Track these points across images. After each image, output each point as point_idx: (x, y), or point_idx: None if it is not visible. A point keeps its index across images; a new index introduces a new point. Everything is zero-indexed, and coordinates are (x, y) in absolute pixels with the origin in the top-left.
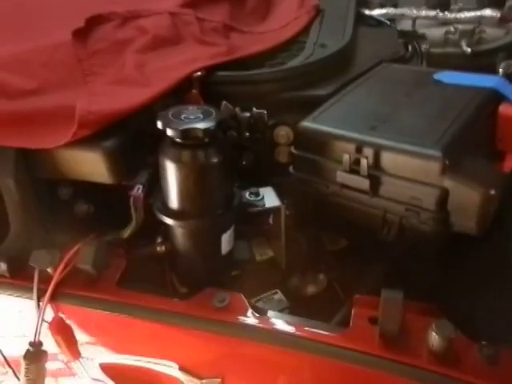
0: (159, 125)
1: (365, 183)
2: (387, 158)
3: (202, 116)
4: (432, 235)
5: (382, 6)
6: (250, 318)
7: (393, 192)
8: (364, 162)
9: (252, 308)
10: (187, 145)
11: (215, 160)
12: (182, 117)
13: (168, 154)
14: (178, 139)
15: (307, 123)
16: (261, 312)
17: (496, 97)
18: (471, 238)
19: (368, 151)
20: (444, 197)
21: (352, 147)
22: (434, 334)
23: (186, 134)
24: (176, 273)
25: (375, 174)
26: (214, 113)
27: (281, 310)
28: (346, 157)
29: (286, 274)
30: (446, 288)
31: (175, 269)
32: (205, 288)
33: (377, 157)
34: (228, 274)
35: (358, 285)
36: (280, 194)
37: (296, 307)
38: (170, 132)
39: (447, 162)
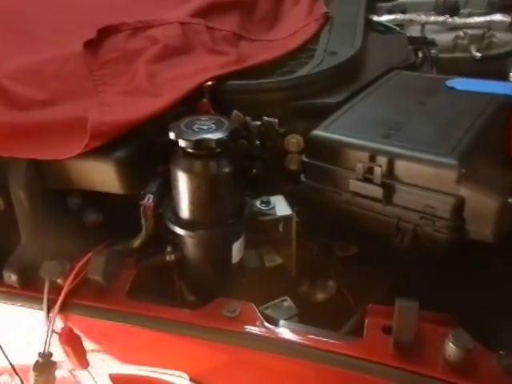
0: (172, 136)
1: (378, 191)
2: (401, 167)
3: (214, 126)
4: (447, 243)
5: (390, 11)
6: (261, 328)
7: (406, 200)
8: (378, 171)
9: (263, 318)
10: (199, 155)
11: (227, 170)
12: (195, 127)
13: (180, 165)
14: (190, 150)
15: (319, 132)
16: (272, 322)
17: (511, 103)
18: (487, 246)
19: (382, 160)
20: (460, 205)
21: (365, 156)
22: (450, 344)
23: (198, 144)
24: (185, 281)
25: (389, 182)
26: (226, 123)
27: (290, 318)
28: (359, 165)
29: (295, 280)
30: (461, 296)
31: (185, 277)
32: (215, 297)
33: (390, 165)
34: (238, 281)
35: (368, 292)
36: (290, 201)
37: (305, 313)
38: (182, 143)
39: (463, 171)
